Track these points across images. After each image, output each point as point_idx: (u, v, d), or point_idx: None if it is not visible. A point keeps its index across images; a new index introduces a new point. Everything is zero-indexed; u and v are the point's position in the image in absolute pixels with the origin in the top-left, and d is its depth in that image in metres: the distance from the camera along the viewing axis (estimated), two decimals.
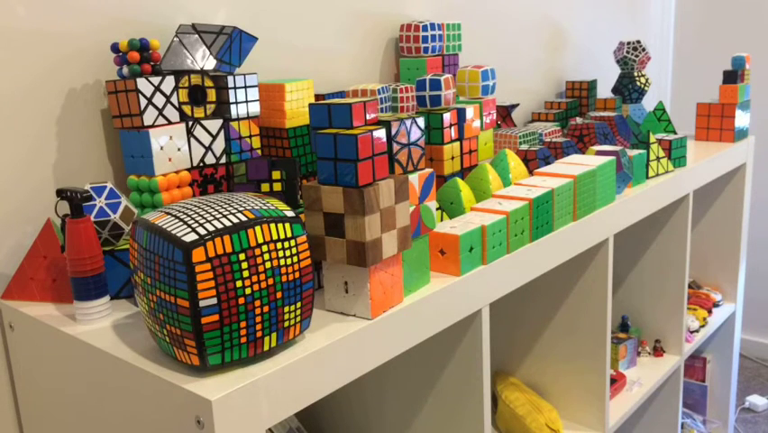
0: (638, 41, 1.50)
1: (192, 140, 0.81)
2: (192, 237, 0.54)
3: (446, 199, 0.89)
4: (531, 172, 1.04)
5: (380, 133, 0.66)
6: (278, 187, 0.79)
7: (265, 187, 0.79)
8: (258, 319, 0.57)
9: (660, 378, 1.32)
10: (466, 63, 1.17)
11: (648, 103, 1.64)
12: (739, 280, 1.63)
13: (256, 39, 0.86)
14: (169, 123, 0.79)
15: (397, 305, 0.70)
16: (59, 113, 0.80)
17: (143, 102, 0.76)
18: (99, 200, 0.73)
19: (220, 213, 0.57)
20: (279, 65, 1.02)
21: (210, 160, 0.83)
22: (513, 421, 1.09)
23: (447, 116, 0.92)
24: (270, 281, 0.57)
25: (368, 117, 0.68)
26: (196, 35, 0.82)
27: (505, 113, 1.35)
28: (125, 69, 0.77)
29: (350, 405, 0.99)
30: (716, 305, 1.62)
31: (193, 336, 0.54)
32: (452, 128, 0.94)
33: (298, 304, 0.60)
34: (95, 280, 0.68)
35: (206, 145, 0.82)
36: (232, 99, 0.83)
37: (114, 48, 0.78)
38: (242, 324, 0.56)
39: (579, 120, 1.33)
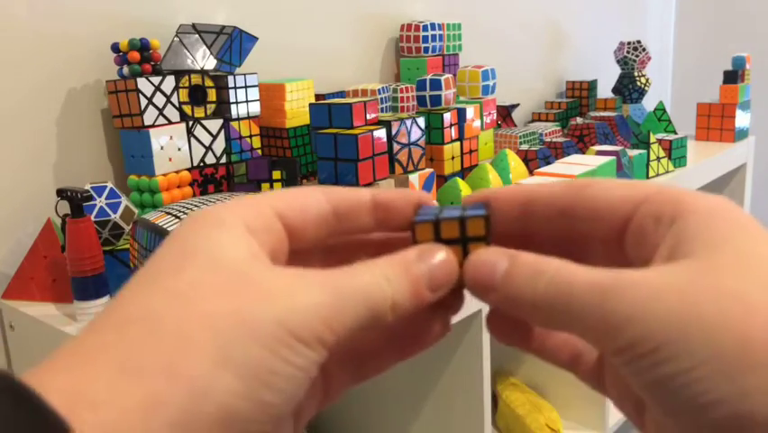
0: (638, 41, 1.50)
1: (192, 140, 0.81)
2: None
3: (446, 199, 0.89)
4: (531, 172, 1.04)
5: (381, 133, 0.66)
6: (278, 187, 0.79)
7: (265, 187, 0.79)
8: None
9: None
10: (466, 63, 1.17)
11: (648, 103, 1.64)
12: None
13: (256, 39, 0.86)
14: (170, 122, 0.79)
15: None
16: (59, 113, 0.80)
17: (144, 102, 0.76)
18: (99, 200, 0.73)
19: None
20: (280, 65, 1.02)
21: (210, 159, 0.83)
22: (513, 421, 1.09)
23: (447, 116, 0.92)
24: None
25: (368, 117, 0.68)
26: (197, 35, 0.82)
27: (505, 113, 1.35)
28: (126, 69, 0.77)
29: (350, 405, 0.99)
30: None
31: None
32: (453, 128, 0.94)
33: None
34: (95, 280, 0.68)
35: (207, 145, 0.82)
36: (232, 99, 0.83)
37: (115, 48, 0.78)
38: None
39: (579, 120, 1.33)
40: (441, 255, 0.25)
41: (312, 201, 0.26)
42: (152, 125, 0.77)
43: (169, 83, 0.78)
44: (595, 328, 0.21)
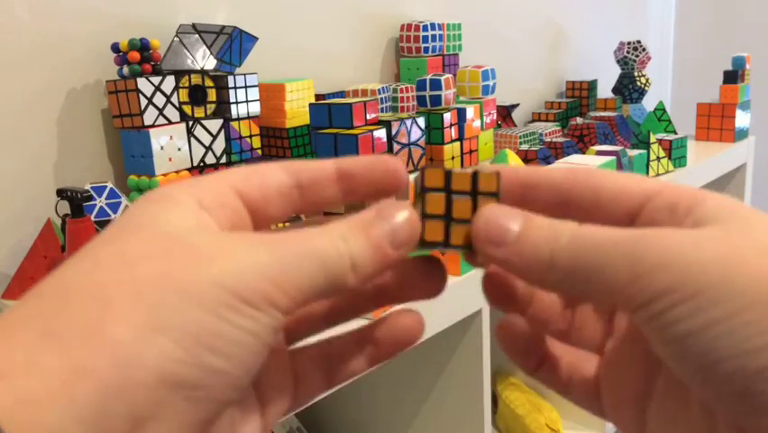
0: (638, 41, 1.50)
1: (192, 140, 0.81)
2: None
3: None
4: None
5: (381, 133, 0.66)
6: None
7: None
8: None
9: None
10: (466, 63, 1.17)
11: (648, 103, 1.64)
12: None
13: (256, 39, 0.86)
14: (170, 122, 0.79)
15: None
16: (59, 113, 0.80)
17: (144, 102, 0.76)
18: (99, 200, 0.73)
19: None
20: (280, 65, 1.02)
21: (210, 159, 0.83)
22: (513, 421, 1.09)
23: (447, 116, 0.92)
24: None
25: (368, 117, 0.68)
26: (197, 35, 0.82)
27: (505, 113, 1.35)
28: (126, 69, 0.77)
29: (350, 405, 0.99)
30: None
31: None
32: (453, 128, 0.94)
33: None
34: None
35: (207, 145, 0.82)
36: (232, 99, 0.83)
37: (115, 48, 0.78)
38: None
39: (579, 120, 1.33)
40: (403, 213, 0.24)
41: (271, 175, 0.25)
42: (152, 125, 0.77)
43: (169, 83, 0.78)
44: (620, 280, 0.20)
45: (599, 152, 1.08)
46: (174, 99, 0.79)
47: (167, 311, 0.19)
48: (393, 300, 0.28)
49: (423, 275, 0.27)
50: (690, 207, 0.22)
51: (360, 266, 0.22)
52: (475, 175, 0.25)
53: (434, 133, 0.92)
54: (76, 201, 0.66)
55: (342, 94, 1.03)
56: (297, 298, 0.21)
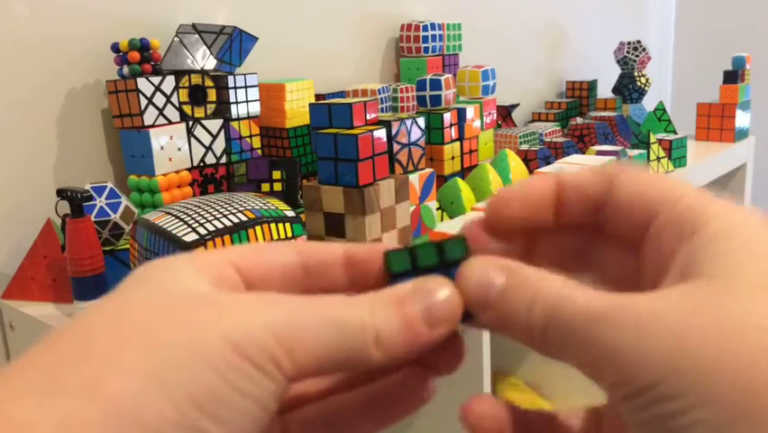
0: (638, 41, 1.50)
1: (192, 140, 0.81)
2: (192, 237, 0.54)
3: (446, 199, 0.89)
4: (531, 172, 1.04)
5: (381, 133, 0.66)
6: (278, 187, 0.79)
7: (265, 187, 0.79)
8: None
9: None
10: (466, 63, 1.17)
11: (648, 103, 1.64)
12: None
13: (256, 39, 0.86)
14: (170, 122, 0.79)
15: None
16: (59, 113, 0.80)
17: (144, 102, 0.76)
18: (99, 200, 0.73)
19: (220, 213, 0.57)
20: (280, 65, 1.02)
21: (210, 159, 0.83)
22: None
23: (447, 116, 0.92)
24: None
25: (368, 117, 0.68)
26: (197, 35, 0.82)
27: (505, 113, 1.35)
28: (126, 69, 0.77)
29: None
30: None
31: None
32: (453, 128, 0.94)
33: None
34: (95, 280, 0.68)
35: (207, 145, 0.82)
36: (232, 99, 0.83)
37: (115, 48, 0.78)
38: None
39: (579, 120, 1.33)
40: (444, 290, 0.22)
41: (275, 254, 0.24)
42: (152, 125, 0.77)
43: (169, 83, 0.78)
44: (586, 359, 0.20)
45: (599, 152, 1.08)
46: (174, 99, 0.79)
47: (169, 367, 0.19)
48: (380, 420, 0.26)
49: (440, 349, 0.25)
50: (695, 228, 0.21)
51: (385, 341, 0.21)
52: (440, 245, 0.23)
53: (433, 133, 0.92)
54: (76, 201, 0.66)
55: (342, 94, 1.03)
56: (305, 364, 0.20)
